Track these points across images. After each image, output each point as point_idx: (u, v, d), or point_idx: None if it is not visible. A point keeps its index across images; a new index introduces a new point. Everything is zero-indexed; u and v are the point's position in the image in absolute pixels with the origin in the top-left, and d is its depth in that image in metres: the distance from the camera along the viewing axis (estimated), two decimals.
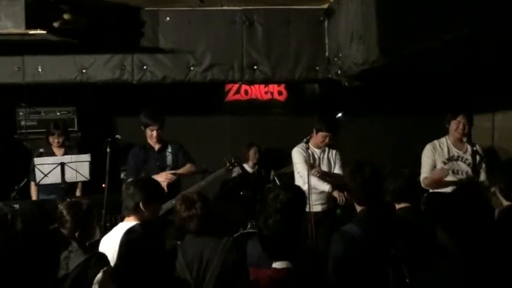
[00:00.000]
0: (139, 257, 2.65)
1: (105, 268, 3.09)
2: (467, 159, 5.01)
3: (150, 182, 3.82)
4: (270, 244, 2.89)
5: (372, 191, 3.25)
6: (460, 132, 5.01)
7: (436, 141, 5.12)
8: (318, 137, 5.35)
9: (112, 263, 3.28)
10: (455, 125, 5.02)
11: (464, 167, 5.01)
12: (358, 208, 3.27)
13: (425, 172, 5.07)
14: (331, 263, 3.12)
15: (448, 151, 5.05)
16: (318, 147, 5.40)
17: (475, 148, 5.03)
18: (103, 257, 3.22)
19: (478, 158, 4.98)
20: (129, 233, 2.78)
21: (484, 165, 5.02)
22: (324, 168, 5.38)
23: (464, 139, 5.04)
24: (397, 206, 3.58)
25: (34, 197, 6.00)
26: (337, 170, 5.43)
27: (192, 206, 3.28)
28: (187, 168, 5.34)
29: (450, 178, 4.95)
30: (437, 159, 5.05)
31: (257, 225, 3.36)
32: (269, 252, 2.90)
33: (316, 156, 5.40)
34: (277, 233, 2.86)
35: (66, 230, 3.26)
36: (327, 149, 5.43)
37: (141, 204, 3.51)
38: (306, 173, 5.04)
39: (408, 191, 3.56)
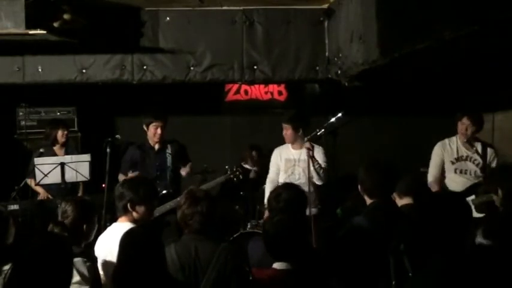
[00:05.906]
0: (138, 259, 2.65)
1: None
2: (475, 160, 5.00)
3: (140, 182, 3.63)
4: (274, 242, 2.88)
5: (384, 185, 3.38)
6: (463, 133, 5.00)
7: (446, 140, 5.11)
8: None
9: (106, 263, 3.28)
10: (460, 126, 5.01)
11: (472, 167, 5.00)
12: (368, 201, 3.40)
13: (431, 172, 5.08)
14: (337, 249, 3.22)
15: (457, 151, 5.04)
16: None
17: (486, 148, 5.01)
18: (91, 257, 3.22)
19: (488, 157, 4.98)
20: (127, 235, 2.78)
21: (495, 165, 4.99)
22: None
23: (476, 142, 5.03)
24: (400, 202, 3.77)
25: (41, 192, 5.98)
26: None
27: (197, 203, 3.16)
28: (190, 167, 5.52)
29: (458, 178, 4.97)
30: (446, 158, 5.05)
31: (262, 224, 3.35)
32: (272, 251, 2.90)
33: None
34: (281, 231, 2.86)
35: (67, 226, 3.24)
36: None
37: (128, 205, 3.43)
38: None
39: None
